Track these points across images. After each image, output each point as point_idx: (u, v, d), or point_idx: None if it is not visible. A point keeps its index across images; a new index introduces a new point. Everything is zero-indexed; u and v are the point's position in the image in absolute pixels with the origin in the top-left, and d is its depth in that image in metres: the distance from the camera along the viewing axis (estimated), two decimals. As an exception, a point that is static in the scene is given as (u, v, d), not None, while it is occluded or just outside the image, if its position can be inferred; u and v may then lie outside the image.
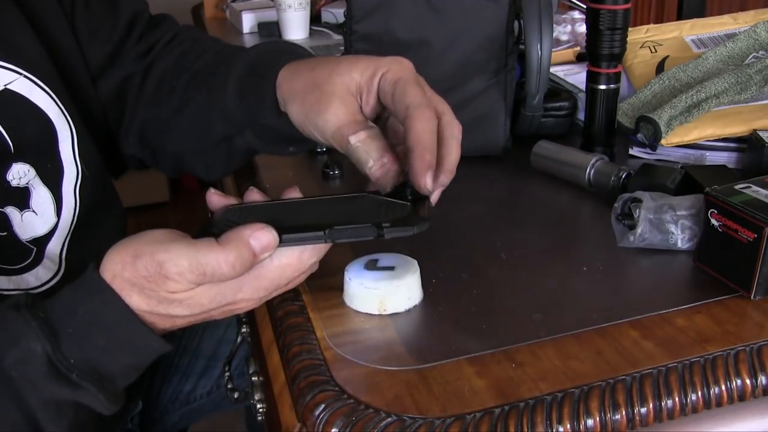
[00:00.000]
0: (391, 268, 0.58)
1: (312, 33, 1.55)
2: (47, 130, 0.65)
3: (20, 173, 0.62)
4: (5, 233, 0.61)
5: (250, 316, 0.73)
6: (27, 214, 0.62)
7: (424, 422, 0.46)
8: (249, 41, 1.56)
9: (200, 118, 0.69)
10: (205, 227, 0.51)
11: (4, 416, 0.47)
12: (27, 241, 0.63)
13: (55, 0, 0.70)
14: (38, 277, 0.64)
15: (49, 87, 0.65)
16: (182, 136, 0.72)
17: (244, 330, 0.78)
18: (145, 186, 2.64)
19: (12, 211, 0.61)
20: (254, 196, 0.56)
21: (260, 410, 0.68)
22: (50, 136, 0.65)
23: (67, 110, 0.66)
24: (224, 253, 0.47)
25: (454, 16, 0.80)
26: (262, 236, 0.48)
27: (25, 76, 0.63)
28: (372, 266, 0.58)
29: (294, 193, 0.57)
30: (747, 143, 0.75)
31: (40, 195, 0.64)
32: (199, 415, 1.00)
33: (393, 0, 0.80)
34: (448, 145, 0.53)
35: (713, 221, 0.57)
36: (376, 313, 0.56)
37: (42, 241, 0.64)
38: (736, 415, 0.50)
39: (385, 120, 0.58)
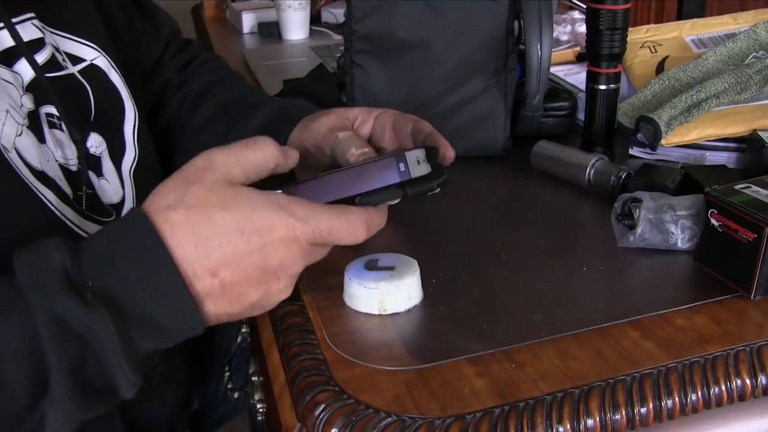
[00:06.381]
0: (391, 268, 0.58)
1: (312, 33, 1.55)
2: (119, 108, 0.70)
3: (95, 143, 0.66)
4: (91, 191, 0.64)
5: (250, 316, 0.73)
6: (102, 181, 0.67)
7: (424, 422, 0.46)
8: (249, 41, 1.56)
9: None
10: None
11: (7, 330, 0.42)
12: (107, 205, 0.67)
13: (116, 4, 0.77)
14: None
15: (120, 70, 0.70)
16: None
17: (244, 330, 0.78)
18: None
19: (92, 176, 0.65)
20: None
21: (260, 410, 0.68)
22: (120, 114, 0.70)
23: (132, 94, 0.71)
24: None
25: (454, 16, 0.80)
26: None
27: (104, 56, 0.69)
28: (372, 266, 0.58)
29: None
30: (747, 143, 0.75)
31: (108, 168, 0.68)
32: (233, 413, 1.00)
33: (393, 0, 0.80)
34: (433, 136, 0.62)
35: (713, 221, 0.57)
36: (376, 313, 0.56)
37: (117, 209, 0.68)
38: (736, 415, 0.50)
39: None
